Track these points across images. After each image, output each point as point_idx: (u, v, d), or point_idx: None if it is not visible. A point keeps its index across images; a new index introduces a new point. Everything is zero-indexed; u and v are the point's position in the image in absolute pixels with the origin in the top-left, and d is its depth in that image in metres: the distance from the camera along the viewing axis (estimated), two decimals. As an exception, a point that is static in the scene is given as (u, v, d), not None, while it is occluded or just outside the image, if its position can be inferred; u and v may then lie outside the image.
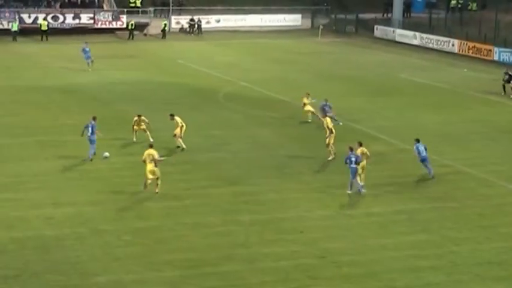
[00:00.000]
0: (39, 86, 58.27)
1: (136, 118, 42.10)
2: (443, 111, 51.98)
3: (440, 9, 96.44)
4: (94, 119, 39.27)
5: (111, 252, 27.84)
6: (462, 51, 77.89)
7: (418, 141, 36.74)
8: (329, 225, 31.02)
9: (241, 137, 43.98)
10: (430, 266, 27.18)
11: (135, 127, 42.08)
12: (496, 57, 72.49)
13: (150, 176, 33.41)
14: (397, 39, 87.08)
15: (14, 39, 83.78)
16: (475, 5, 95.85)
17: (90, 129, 38.71)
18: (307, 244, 28.87)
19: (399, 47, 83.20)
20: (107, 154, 38.38)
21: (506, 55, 71.55)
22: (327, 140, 39.42)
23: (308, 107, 46.50)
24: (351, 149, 35.31)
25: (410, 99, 56.03)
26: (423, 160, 36.53)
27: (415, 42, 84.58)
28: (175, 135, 40.87)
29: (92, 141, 38.65)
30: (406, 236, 29.97)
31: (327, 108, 45.29)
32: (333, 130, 39.58)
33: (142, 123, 42.10)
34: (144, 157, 33.81)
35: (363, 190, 34.58)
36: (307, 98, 46.57)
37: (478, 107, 54.17)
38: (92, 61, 65.34)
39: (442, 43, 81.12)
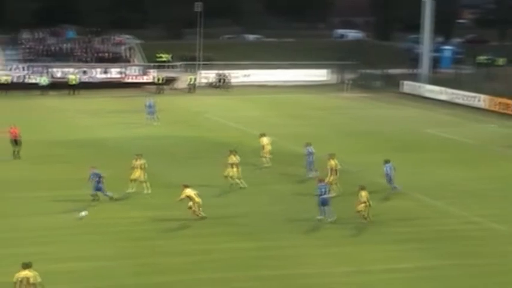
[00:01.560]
0: (65, 140, 58.67)
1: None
2: (470, 167, 51.62)
3: (467, 65, 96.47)
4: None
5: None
6: (490, 106, 77.60)
7: (387, 162, 42.74)
8: (349, 281, 30.58)
9: (261, 191, 43.83)
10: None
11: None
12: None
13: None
14: (425, 94, 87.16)
15: (43, 93, 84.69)
16: (501, 60, 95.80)
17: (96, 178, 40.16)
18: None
19: (426, 102, 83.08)
20: (83, 214, 36.80)
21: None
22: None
23: None
24: (320, 181, 38.63)
25: (437, 154, 55.65)
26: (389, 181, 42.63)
27: (443, 97, 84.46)
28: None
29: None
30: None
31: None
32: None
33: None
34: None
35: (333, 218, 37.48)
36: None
37: (506, 163, 53.63)
38: (157, 116, 65.76)
39: (470, 98, 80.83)
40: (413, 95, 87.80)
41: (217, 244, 34.68)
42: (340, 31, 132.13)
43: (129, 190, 42.73)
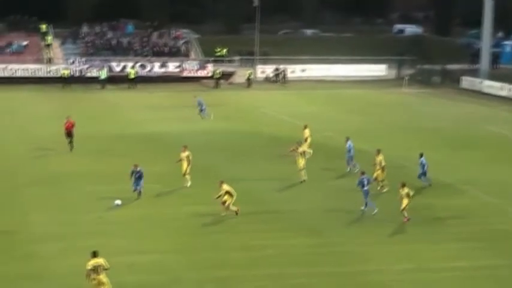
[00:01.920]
0: (122, 134, 59.23)
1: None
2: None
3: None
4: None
5: None
6: (553, 103, 76.82)
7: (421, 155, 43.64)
8: (408, 279, 30.49)
9: (320, 187, 43.82)
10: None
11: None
12: None
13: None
14: (484, 90, 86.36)
15: (103, 87, 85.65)
16: None
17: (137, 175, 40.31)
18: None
19: (486, 98, 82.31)
20: (118, 202, 38.10)
21: None
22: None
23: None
24: (362, 173, 39.67)
25: (496, 152, 55.00)
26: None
27: (503, 93, 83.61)
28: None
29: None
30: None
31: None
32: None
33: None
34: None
35: (376, 209, 38.35)
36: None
37: None
38: (208, 113, 66.13)
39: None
40: (473, 91, 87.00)
41: (275, 240, 34.77)
42: (399, 26, 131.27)
43: (186, 184, 43.21)
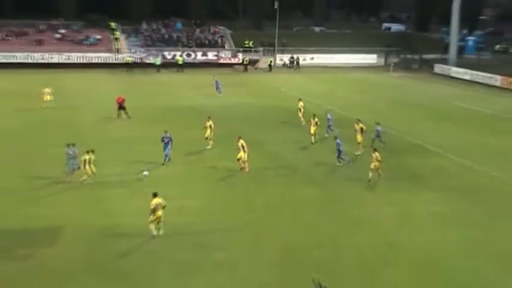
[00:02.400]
0: (173, 106, 58.98)
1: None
2: (489, 132, 50.63)
3: (487, 52, 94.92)
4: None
5: (229, 234, 27.90)
6: (504, 85, 76.03)
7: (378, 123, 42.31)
8: (398, 221, 30.35)
9: (329, 148, 43.45)
10: (481, 254, 26.41)
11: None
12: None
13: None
14: (452, 75, 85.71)
15: (158, 71, 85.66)
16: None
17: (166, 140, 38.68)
18: (381, 235, 28.37)
19: (453, 81, 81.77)
20: (146, 173, 35.14)
21: (542, 89, 69.69)
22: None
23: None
24: (335, 137, 39.84)
25: (463, 122, 54.75)
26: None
27: (466, 77, 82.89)
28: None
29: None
30: (458, 230, 29.17)
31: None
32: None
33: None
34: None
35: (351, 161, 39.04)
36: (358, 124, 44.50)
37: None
38: (221, 91, 66.45)
39: (488, 78, 79.23)
40: (443, 75, 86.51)
41: (291, 189, 34.61)
42: (387, 24, 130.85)
43: (207, 147, 42.70)
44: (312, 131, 44.69)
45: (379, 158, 35.12)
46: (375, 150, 35.74)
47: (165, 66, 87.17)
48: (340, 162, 39.20)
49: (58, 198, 32.37)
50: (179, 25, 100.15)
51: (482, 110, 60.70)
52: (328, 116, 47.77)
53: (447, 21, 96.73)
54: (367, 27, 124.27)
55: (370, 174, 35.38)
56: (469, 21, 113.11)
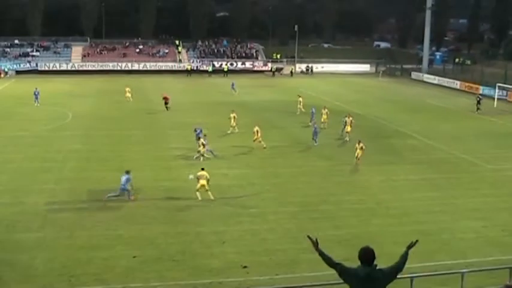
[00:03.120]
0: (221, 101, 58.61)
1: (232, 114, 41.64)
2: (451, 122, 50.11)
3: (449, 63, 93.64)
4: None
5: (260, 195, 27.91)
6: (462, 88, 74.64)
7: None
8: (383, 185, 30.33)
9: (332, 133, 43.28)
10: (440, 210, 26.36)
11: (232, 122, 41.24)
12: (481, 92, 68.52)
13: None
14: (425, 80, 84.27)
15: (209, 75, 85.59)
16: (469, 61, 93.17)
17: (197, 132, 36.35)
18: (370, 195, 28.35)
19: (425, 85, 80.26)
20: (191, 176, 27.38)
21: (487, 90, 67.73)
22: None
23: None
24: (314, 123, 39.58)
25: (432, 114, 54.10)
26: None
27: (435, 82, 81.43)
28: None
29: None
30: (427, 192, 29.05)
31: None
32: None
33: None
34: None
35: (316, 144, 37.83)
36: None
37: (472, 120, 51.59)
38: (235, 89, 65.09)
39: (450, 83, 77.80)
40: (418, 80, 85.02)
41: (307, 162, 34.66)
42: (377, 42, 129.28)
43: (228, 131, 41.72)
44: (322, 119, 44.09)
45: (363, 148, 33.82)
46: (360, 141, 34.42)
47: (214, 72, 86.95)
48: (316, 142, 38.42)
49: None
50: (226, 43, 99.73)
51: (447, 106, 59.91)
52: (313, 110, 46.18)
53: (421, 41, 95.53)
54: (363, 45, 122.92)
55: (355, 161, 34.26)
56: (436, 41, 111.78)
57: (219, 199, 27.05)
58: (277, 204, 26.64)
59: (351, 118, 41.61)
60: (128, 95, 57.44)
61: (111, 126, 44.50)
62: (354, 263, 8.71)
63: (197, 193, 26.80)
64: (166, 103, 52.11)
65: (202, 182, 26.66)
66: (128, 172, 26.65)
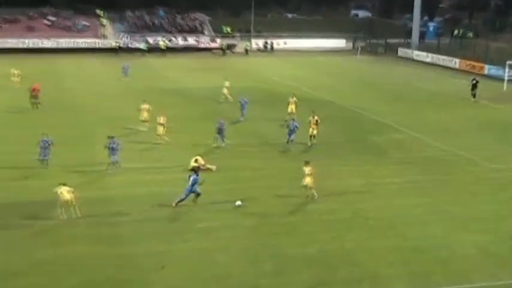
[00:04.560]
0: (159, 88, 58.61)
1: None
2: (446, 110, 51.41)
3: (446, 37, 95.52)
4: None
5: (210, 205, 28.05)
6: (461, 67, 76.63)
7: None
8: (361, 190, 31.07)
9: (303, 126, 43.74)
10: (432, 220, 27.21)
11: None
12: (486, 72, 71.15)
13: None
14: (414, 57, 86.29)
15: (143, 55, 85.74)
16: (471, 34, 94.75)
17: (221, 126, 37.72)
18: (345, 203, 29.02)
19: (415, 64, 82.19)
20: (239, 203, 28.35)
21: (494, 70, 70.10)
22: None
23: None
24: (293, 120, 39.11)
25: (423, 101, 55.44)
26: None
27: (427, 60, 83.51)
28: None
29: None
30: (415, 198, 29.96)
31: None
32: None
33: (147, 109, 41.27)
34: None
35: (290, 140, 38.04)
36: None
37: (472, 109, 53.10)
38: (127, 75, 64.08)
39: (447, 61, 79.94)
40: (407, 58, 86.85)
41: (270, 163, 35.24)
42: (354, 11, 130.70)
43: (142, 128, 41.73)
44: (289, 110, 44.54)
45: (318, 121, 37.73)
46: (314, 114, 37.53)
47: (150, 51, 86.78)
48: (290, 141, 38.52)
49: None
50: (162, 13, 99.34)
51: (441, 91, 61.22)
52: (242, 101, 46.22)
53: (409, 9, 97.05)
54: (336, 15, 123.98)
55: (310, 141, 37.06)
56: (429, 9, 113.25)
57: (158, 211, 27.30)
58: (231, 217, 27.04)
59: (316, 117, 39.90)
60: (16, 79, 56.95)
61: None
62: (327, 287, 9.14)
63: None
64: (34, 96, 48.44)
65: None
66: (195, 171, 28.31)
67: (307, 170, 29.14)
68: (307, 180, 29.01)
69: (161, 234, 25.08)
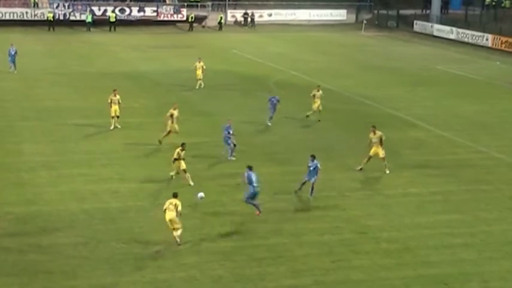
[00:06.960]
0: (108, 72, 58.67)
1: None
2: (477, 101, 51.63)
3: (475, 6, 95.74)
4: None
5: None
6: (495, 45, 77.00)
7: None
8: (369, 203, 30.83)
9: (290, 121, 43.68)
10: (462, 243, 26.95)
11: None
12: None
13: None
14: (435, 33, 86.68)
15: (88, 29, 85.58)
16: (508, 2, 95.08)
17: (226, 131, 36.71)
18: (349, 221, 28.80)
19: (436, 41, 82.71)
20: (201, 194, 28.89)
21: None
22: None
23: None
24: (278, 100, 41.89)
25: (447, 89, 55.53)
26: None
27: (452, 36, 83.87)
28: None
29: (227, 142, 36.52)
30: (440, 215, 29.75)
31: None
32: None
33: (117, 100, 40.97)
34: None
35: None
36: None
37: (510, 97, 53.49)
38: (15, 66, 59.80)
39: (477, 38, 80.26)
40: (425, 34, 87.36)
41: (256, 167, 34.55)
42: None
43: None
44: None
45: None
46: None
47: (95, 24, 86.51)
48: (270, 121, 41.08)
49: None
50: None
51: (469, 75, 61.55)
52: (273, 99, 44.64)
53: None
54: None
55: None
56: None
57: (103, 232, 26.94)
58: (199, 238, 26.77)
59: (320, 91, 42.81)
60: None
61: None
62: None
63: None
64: None
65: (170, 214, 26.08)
66: (250, 168, 28.98)
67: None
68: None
69: (108, 262, 24.66)
